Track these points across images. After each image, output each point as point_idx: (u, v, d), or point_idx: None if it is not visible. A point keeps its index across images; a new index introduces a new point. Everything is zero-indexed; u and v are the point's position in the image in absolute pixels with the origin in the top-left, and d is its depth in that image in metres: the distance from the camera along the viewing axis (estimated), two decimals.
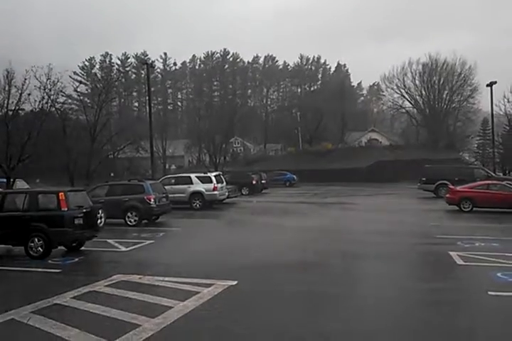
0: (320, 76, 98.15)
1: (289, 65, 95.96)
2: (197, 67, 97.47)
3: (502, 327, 6.59)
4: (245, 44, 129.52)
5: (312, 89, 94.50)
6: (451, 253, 11.39)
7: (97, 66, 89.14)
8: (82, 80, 77.99)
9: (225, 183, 26.14)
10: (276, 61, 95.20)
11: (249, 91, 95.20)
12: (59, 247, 12.16)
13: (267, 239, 14.70)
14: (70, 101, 39.44)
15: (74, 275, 9.73)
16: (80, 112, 37.10)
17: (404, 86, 62.92)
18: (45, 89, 25.97)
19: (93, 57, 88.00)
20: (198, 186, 24.17)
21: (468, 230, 16.05)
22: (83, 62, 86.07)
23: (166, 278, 9.07)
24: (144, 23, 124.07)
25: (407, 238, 14.56)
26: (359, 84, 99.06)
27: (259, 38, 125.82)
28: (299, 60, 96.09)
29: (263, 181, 36.73)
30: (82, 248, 12.70)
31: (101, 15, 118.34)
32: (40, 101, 25.99)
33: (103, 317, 6.86)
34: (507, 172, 39.90)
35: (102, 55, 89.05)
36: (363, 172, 48.51)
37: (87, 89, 65.31)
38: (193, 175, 25.16)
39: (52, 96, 26.78)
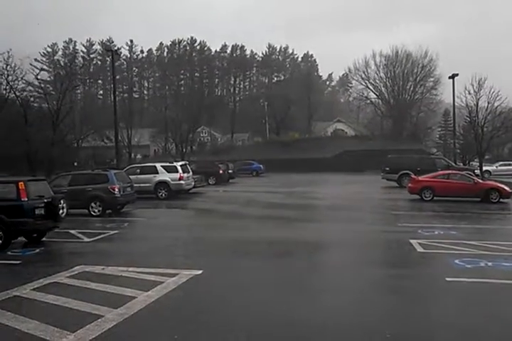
0: (288, 66, 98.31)
1: (256, 54, 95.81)
2: (164, 54, 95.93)
3: (456, 310, 6.84)
4: (213, 33, 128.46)
5: (280, 79, 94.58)
6: (411, 241, 11.70)
7: (60, 53, 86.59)
8: (44, 67, 75.56)
9: (191, 173, 25.99)
10: (245, 50, 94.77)
11: (217, 80, 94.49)
12: (19, 238, 11.86)
13: (232, 228, 14.76)
14: (31, 88, 38.18)
15: (34, 267, 9.50)
16: (42, 100, 35.99)
17: (369, 77, 63.86)
18: (2, 75, 25.13)
19: (56, 44, 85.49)
20: (164, 176, 23.95)
21: (429, 219, 16.53)
22: (45, 48, 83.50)
23: (130, 269, 8.97)
24: (109, 9, 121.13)
25: (369, 226, 14.87)
26: (330, 75, 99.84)
27: (228, 27, 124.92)
28: (267, 50, 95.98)
29: (230, 171, 36.69)
30: (44, 239, 12.41)
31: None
32: None
33: (64, 309, 6.75)
34: (467, 162, 41.03)
35: (65, 42, 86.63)
36: (329, 161, 49.13)
37: (49, 76, 63.29)
38: (158, 165, 24.88)
39: (11, 83, 25.94)
